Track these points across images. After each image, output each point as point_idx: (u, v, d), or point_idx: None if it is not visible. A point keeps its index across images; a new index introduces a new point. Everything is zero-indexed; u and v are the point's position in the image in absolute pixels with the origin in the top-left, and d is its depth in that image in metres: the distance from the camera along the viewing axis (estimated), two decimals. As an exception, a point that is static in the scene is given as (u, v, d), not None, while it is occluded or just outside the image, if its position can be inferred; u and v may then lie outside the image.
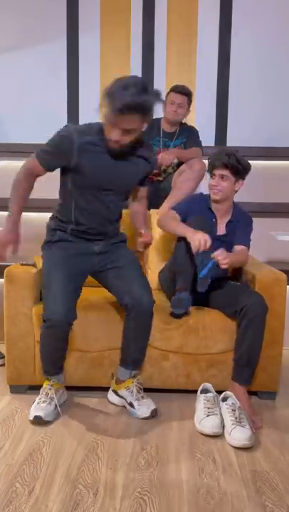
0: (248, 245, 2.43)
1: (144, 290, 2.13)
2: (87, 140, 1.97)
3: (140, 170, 2.16)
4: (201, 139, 3.18)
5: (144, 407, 2.12)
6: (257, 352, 2.19)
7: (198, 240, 2.12)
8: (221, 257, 2.15)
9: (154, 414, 2.12)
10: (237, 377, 2.20)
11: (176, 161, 3.11)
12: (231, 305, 2.25)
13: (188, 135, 3.19)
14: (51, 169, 2.08)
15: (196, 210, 2.41)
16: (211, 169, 2.39)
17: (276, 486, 1.68)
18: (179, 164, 3.16)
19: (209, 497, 1.61)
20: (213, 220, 2.43)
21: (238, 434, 1.91)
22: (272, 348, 2.28)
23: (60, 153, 2.00)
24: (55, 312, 1.96)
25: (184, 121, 3.22)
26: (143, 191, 2.40)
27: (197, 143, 3.18)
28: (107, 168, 2.02)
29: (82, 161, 1.98)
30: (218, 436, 1.99)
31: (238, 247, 2.39)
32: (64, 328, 2.00)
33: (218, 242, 2.39)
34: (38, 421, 2.05)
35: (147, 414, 2.11)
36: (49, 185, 2.64)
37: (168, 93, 3.13)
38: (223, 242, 2.39)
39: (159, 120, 3.21)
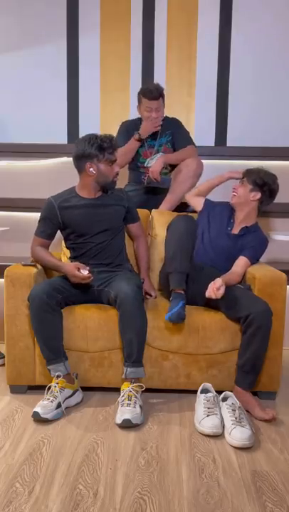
0: (251, 261, 2.45)
1: (127, 284, 2.23)
2: (63, 198, 2.44)
3: (117, 209, 2.49)
4: (201, 139, 3.13)
5: (119, 414, 2.07)
6: (261, 359, 2.19)
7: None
8: (214, 287, 2.18)
9: (125, 424, 2.02)
10: (240, 382, 2.20)
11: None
12: (234, 309, 2.24)
13: (172, 131, 3.03)
14: (51, 236, 2.48)
15: (216, 214, 2.60)
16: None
17: (276, 486, 1.68)
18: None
19: (209, 497, 1.61)
20: (231, 220, 2.55)
21: (238, 434, 1.91)
22: (272, 348, 2.28)
23: (50, 217, 2.44)
24: (35, 291, 2.22)
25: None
26: (136, 229, 2.62)
27: (187, 139, 3.03)
28: (87, 217, 2.42)
29: (65, 214, 2.41)
30: (218, 436, 1.99)
31: (239, 261, 2.44)
32: (42, 306, 2.18)
33: (228, 239, 2.49)
34: (35, 417, 2.07)
35: (118, 421, 2.04)
36: (49, 186, 2.64)
37: (140, 98, 2.95)
38: (231, 242, 2.48)
39: (139, 120, 3.06)
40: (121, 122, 3.16)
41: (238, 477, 1.73)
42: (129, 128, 3.05)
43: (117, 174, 2.46)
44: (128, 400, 2.12)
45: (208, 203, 2.68)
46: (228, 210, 2.58)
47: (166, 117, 3.07)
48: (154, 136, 3.03)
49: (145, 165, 3.01)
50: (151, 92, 2.91)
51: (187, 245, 2.34)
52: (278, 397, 2.39)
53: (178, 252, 2.30)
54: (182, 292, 2.26)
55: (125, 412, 2.06)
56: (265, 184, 2.47)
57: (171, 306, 2.20)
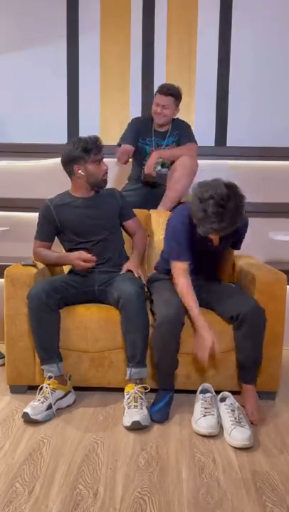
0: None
1: (131, 285, 2.24)
2: (58, 200, 2.50)
3: (111, 206, 2.53)
4: (201, 139, 3.14)
5: (128, 417, 2.05)
6: (260, 354, 2.18)
7: (208, 345, 2.08)
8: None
9: (134, 426, 2.01)
10: (245, 378, 2.20)
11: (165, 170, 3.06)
12: (225, 308, 2.22)
13: (179, 132, 3.09)
14: (50, 239, 2.52)
15: (188, 237, 2.21)
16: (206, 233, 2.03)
17: (276, 486, 1.68)
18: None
19: (209, 497, 1.61)
20: (209, 243, 2.14)
21: (238, 435, 1.91)
22: (273, 348, 2.28)
23: (47, 220, 2.49)
24: (34, 290, 2.23)
25: (175, 116, 3.10)
26: (132, 225, 2.63)
27: (190, 138, 3.07)
28: (83, 216, 2.45)
29: (62, 216, 2.46)
30: (215, 436, 1.99)
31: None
32: (40, 306, 2.19)
33: (215, 255, 2.36)
34: (25, 418, 2.06)
35: (127, 424, 2.03)
36: (49, 186, 2.64)
37: (155, 93, 3.05)
38: (212, 255, 2.34)
39: (150, 119, 3.12)
40: (133, 118, 3.21)
41: (238, 477, 1.73)
42: (140, 127, 3.11)
43: (106, 172, 2.49)
44: (134, 401, 2.11)
45: (185, 253, 2.23)
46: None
47: (178, 119, 3.14)
48: (163, 136, 3.08)
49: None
50: (162, 88, 3.00)
51: (173, 350, 2.16)
52: (278, 397, 2.39)
53: (165, 358, 2.17)
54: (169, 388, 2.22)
55: (134, 414, 2.05)
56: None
57: (156, 400, 2.19)
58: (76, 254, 2.36)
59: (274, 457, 1.86)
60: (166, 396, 2.19)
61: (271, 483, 1.69)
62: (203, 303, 2.33)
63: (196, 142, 3.09)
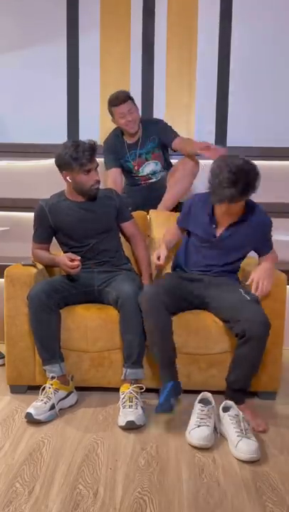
0: (272, 250, 2.40)
1: (129, 285, 2.24)
2: (52, 202, 2.46)
3: (108, 208, 2.48)
4: (200, 139, 3.09)
5: (122, 417, 2.05)
6: (251, 377, 2.12)
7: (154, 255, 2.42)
8: (259, 290, 2.16)
9: (129, 426, 2.01)
10: (230, 397, 2.11)
11: (159, 166, 3.05)
12: (231, 322, 2.14)
13: (157, 133, 3.01)
14: (47, 240, 2.51)
15: (198, 215, 2.37)
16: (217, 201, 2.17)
17: (276, 486, 1.68)
18: (170, 164, 3.12)
19: (209, 497, 1.61)
20: (213, 226, 2.31)
21: (245, 447, 1.82)
22: (273, 348, 2.28)
23: (42, 222, 2.46)
24: (34, 290, 2.23)
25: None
26: (130, 227, 2.59)
27: (174, 133, 2.99)
28: (78, 220, 2.42)
29: (56, 218, 2.43)
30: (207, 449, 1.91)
31: (263, 260, 2.34)
32: (40, 306, 2.18)
33: (214, 246, 2.33)
34: (28, 418, 2.06)
35: (122, 424, 2.03)
36: (49, 186, 2.64)
37: (111, 109, 2.95)
38: (218, 247, 2.32)
39: (119, 131, 3.06)
40: (104, 141, 3.15)
41: (238, 477, 1.73)
42: (114, 149, 3.07)
43: (98, 182, 2.39)
44: (129, 401, 2.11)
45: (182, 221, 2.48)
46: (207, 212, 2.32)
47: (145, 121, 3.08)
48: (136, 145, 3.04)
49: (140, 174, 3.05)
50: (118, 98, 2.93)
51: (169, 343, 2.17)
52: (278, 397, 2.39)
53: (153, 341, 2.16)
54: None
55: (128, 414, 2.05)
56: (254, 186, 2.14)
57: (160, 392, 2.12)
58: (63, 258, 2.31)
59: (274, 457, 1.86)
60: (167, 387, 2.09)
61: (271, 483, 1.69)
62: (211, 306, 2.28)
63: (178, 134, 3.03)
